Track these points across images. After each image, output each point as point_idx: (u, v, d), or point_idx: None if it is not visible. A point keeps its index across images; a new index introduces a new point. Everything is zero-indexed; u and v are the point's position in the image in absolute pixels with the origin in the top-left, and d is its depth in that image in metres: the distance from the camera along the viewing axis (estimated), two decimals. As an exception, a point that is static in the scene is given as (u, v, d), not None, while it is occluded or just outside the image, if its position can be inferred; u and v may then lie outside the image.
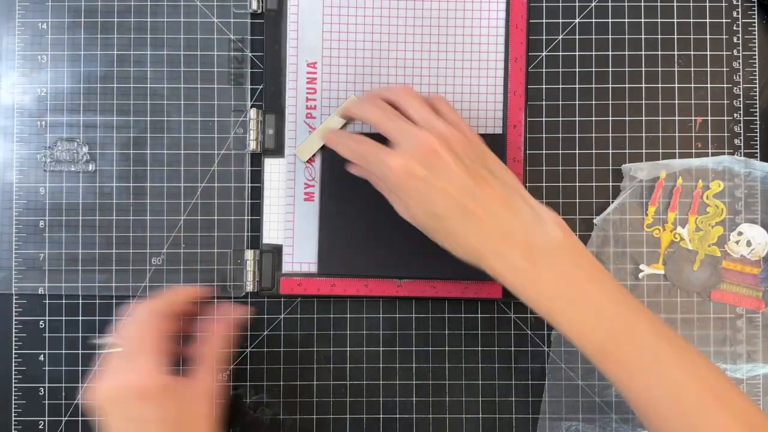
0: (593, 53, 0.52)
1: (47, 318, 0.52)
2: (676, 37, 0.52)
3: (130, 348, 0.42)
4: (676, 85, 0.52)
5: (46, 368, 0.51)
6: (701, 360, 0.40)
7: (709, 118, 0.52)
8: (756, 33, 0.53)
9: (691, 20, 0.53)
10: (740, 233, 0.52)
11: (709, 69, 0.52)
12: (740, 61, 0.52)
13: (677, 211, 0.52)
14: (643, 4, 0.52)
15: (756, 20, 0.53)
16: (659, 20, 0.52)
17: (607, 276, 0.41)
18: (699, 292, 0.52)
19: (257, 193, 0.52)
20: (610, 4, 0.52)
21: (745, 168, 0.52)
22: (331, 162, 0.51)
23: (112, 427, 0.41)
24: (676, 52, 0.52)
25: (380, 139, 0.44)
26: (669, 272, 0.52)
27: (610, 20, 0.52)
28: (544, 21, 0.52)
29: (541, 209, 0.42)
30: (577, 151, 0.52)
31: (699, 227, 0.52)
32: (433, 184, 0.40)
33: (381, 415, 0.52)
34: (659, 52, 0.52)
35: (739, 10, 0.53)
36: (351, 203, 0.51)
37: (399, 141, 0.42)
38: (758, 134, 0.52)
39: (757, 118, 0.52)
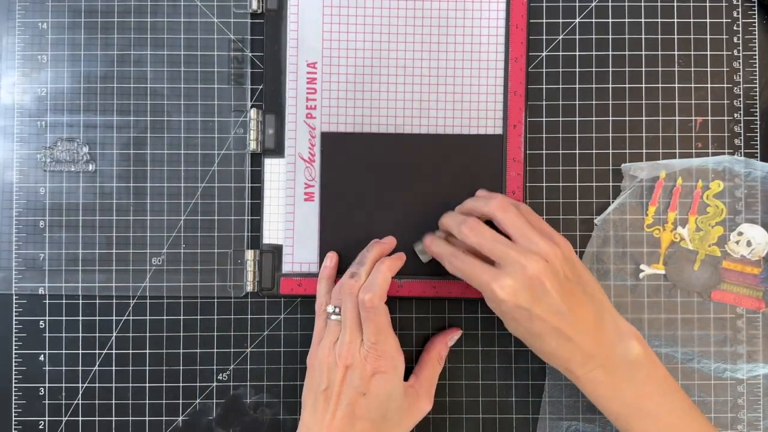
0: (593, 53, 0.52)
1: (47, 318, 0.52)
2: (676, 37, 0.52)
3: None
4: (677, 85, 0.52)
5: (46, 368, 0.51)
6: None
7: (710, 118, 0.52)
8: (756, 33, 0.52)
9: (692, 20, 0.53)
10: (740, 233, 0.52)
11: (709, 69, 0.52)
12: (740, 61, 0.52)
13: (677, 211, 0.52)
14: (643, 4, 0.52)
15: (756, 20, 0.52)
16: (659, 20, 0.52)
17: (677, 388, 0.45)
18: (699, 293, 0.52)
19: (257, 193, 0.52)
20: (610, 4, 0.52)
21: (746, 168, 0.52)
22: (331, 162, 0.51)
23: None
24: (676, 52, 0.52)
25: None
26: (669, 272, 0.52)
27: (610, 20, 0.52)
28: (544, 21, 0.52)
29: (622, 323, 0.45)
30: (577, 151, 0.52)
31: (699, 227, 0.52)
32: (534, 313, 0.43)
33: (381, 415, 0.52)
34: (659, 52, 0.52)
35: (739, 10, 0.52)
36: (351, 203, 0.51)
37: (505, 267, 0.44)
38: (758, 134, 0.52)
39: (758, 117, 0.52)
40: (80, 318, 0.52)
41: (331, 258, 0.50)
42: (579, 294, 0.44)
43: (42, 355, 0.51)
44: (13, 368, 0.51)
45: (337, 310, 0.47)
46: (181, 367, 0.52)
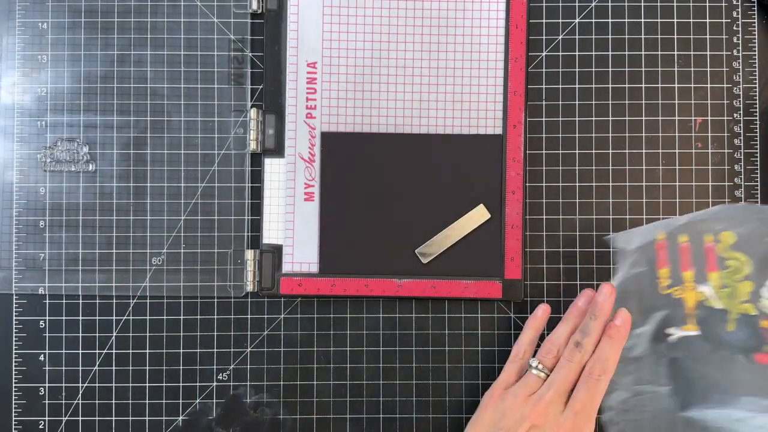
0: (593, 53, 0.52)
1: (47, 318, 0.52)
2: (675, 37, 0.53)
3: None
4: (676, 85, 0.52)
5: (46, 368, 0.51)
6: None
7: (709, 118, 0.52)
8: (756, 33, 0.53)
9: (691, 20, 0.53)
10: None
11: (708, 69, 0.52)
12: (740, 61, 0.53)
13: (692, 269, 0.47)
14: (643, 4, 0.53)
15: (756, 20, 0.53)
16: (659, 20, 0.53)
17: None
18: (741, 354, 0.47)
19: (257, 193, 0.52)
20: (610, 4, 0.53)
21: (749, 213, 0.46)
22: (331, 162, 0.51)
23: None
24: (675, 52, 0.52)
25: None
26: (704, 333, 0.47)
27: (610, 20, 0.52)
28: (544, 21, 0.52)
29: None
30: (577, 151, 0.52)
31: (725, 284, 0.47)
32: None
33: (381, 415, 0.52)
34: (659, 52, 0.52)
35: (739, 10, 0.53)
36: (351, 203, 0.51)
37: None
38: (758, 134, 0.52)
39: (757, 118, 0.52)
40: (80, 318, 0.52)
41: (544, 310, 0.50)
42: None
43: (42, 355, 0.51)
44: (13, 368, 0.51)
45: (540, 366, 0.47)
46: (181, 367, 0.52)
